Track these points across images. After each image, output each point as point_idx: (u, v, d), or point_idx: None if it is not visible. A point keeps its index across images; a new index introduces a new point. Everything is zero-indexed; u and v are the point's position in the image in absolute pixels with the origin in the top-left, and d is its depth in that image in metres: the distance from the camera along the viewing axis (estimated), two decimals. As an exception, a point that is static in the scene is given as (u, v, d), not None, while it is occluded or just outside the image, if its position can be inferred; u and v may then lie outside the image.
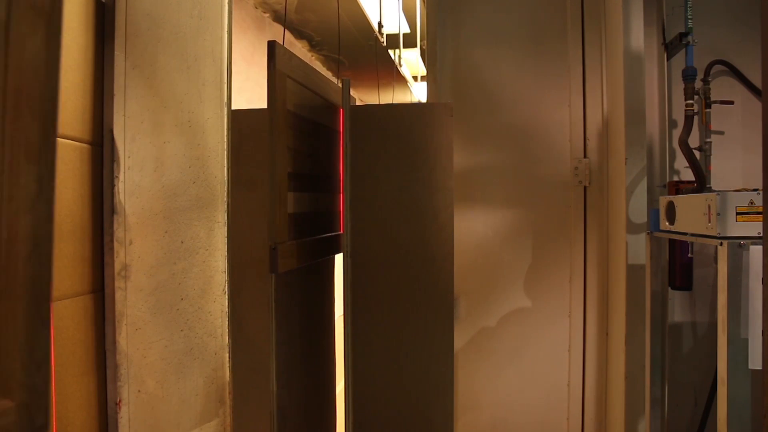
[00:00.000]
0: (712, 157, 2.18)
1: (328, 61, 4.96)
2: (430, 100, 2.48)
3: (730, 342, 1.53)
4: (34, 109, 0.53)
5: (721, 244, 1.56)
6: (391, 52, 4.70)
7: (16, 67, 0.53)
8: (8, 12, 0.52)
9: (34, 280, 0.54)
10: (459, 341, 2.39)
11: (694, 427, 2.25)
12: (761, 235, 1.36)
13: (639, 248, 2.10)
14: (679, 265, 2.15)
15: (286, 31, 4.06)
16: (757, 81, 2.26)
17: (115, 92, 1.09)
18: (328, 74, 5.15)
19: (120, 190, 1.10)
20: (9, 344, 0.52)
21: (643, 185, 2.09)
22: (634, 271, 2.10)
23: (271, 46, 1.35)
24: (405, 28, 5.07)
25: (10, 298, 0.52)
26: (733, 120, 2.28)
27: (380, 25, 4.16)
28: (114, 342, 1.08)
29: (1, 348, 0.52)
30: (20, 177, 0.52)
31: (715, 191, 1.75)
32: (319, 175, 1.74)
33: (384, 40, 4.37)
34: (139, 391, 1.11)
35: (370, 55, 4.48)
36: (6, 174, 0.48)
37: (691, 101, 2.15)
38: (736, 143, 2.28)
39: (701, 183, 2.06)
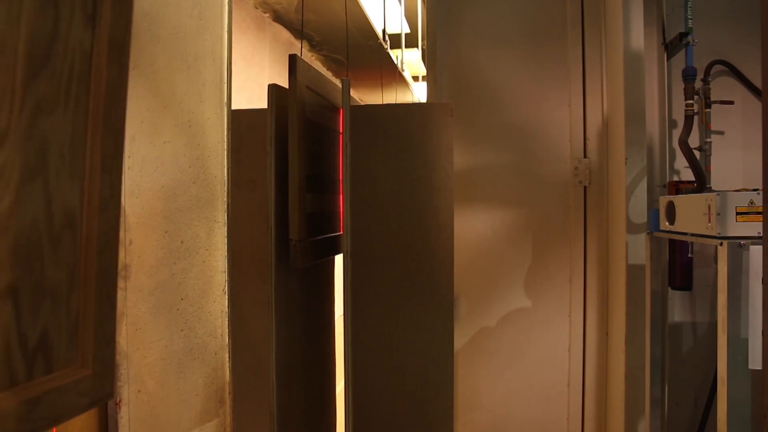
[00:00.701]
0: (712, 157, 2.18)
1: (328, 61, 4.96)
2: (430, 100, 2.48)
3: (730, 342, 1.53)
4: (108, 127, 0.65)
5: (721, 244, 1.56)
6: (391, 52, 4.70)
7: (96, 92, 0.65)
8: (92, 44, 0.65)
9: (105, 271, 0.66)
10: (459, 341, 2.39)
11: (694, 427, 2.25)
12: (761, 235, 1.36)
13: (639, 248, 2.10)
14: (679, 265, 2.15)
15: (286, 30, 4.06)
16: (757, 81, 2.26)
17: (115, 92, 1.09)
18: (328, 74, 5.15)
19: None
20: (87, 325, 0.64)
21: (643, 185, 2.09)
22: (634, 271, 2.10)
23: (293, 60, 1.44)
24: (405, 29, 5.08)
25: (87, 286, 0.64)
26: (733, 120, 2.28)
27: (385, 32, 4.15)
28: (114, 342, 1.08)
29: (81, 328, 0.64)
30: (96, 184, 0.63)
31: (715, 191, 1.75)
32: (326, 176, 1.75)
33: (388, 46, 4.37)
34: (139, 391, 1.10)
35: (371, 55, 4.48)
36: (87, 181, 0.60)
37: (691, 101, 2.15)
38: (736, 143, 2.28)
39: (701, 183, 2.06)
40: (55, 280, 0.62)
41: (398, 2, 4.60)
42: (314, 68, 1.59)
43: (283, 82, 1.52)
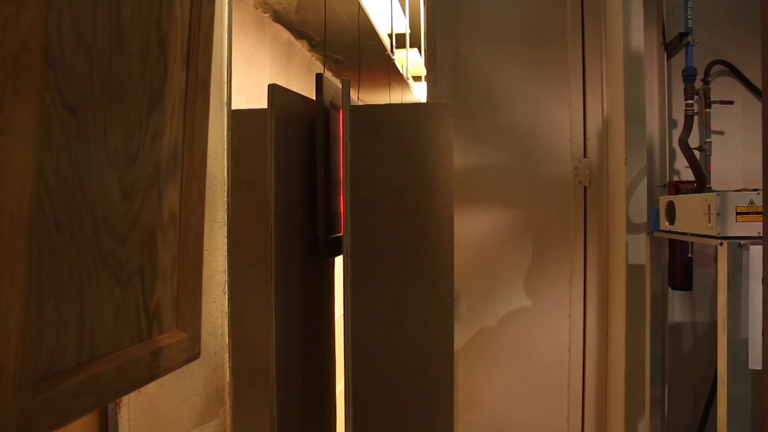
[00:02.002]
0: (712, 157, 2.18)
1: (328, 61, 4.96)
2: (430, 100, 2.48)
3: (730, 342, 1.53)
4: (197, 145, 0.87)
5: (721, 244, 1.56)
6: (390, 52, 4.70)
7: (189, 119, 0.86)
8: (186, 82, 0.85)
9: (195, 257, 0.86)
10: (459, 341, 2.39)
11: (694, 427, 2.25)
12: (761, 235, 1.36)
13: (639, 248, 2.10)
14: (679, 265, 2.15)
15: (286, 30, 4.06)
16: (757, 81, 2.26)
17: (115, 92, 1.08)
18: (328, 74, 5.14)
19: (120, 190, 1.10)
20: (184, 298, 0.85)
21: (643, 185, 2.09)
22: (634, 271, 2.10)
23: (319, 78, 1.58)
24: (405, 28, 5.07)
25: (183, 268, 0.84)
26: (733, 120, 2.28)
27: (392, 37, 4.15)
28: (114, 342, 1.08)
29: (180, 301, 0.85)
30: (189, 190, 0.85)
31: (715, 191, 1.75)
32: (334, 178, 1.76)
33: (393, 51, 4.37)
34: (139, 391, 1.10)
35: (371, 55, 4.48)
36: (183, 188, 0.83)
37: (691, 101, 2.15)
38: (736, 143, 2.28)
39: (701, 183, 2.06)
40: (164, 264, 0.82)
41: (398, 2, 4.60)
42: (332, 81, 1.71)
43: (283, 81, 1.52)
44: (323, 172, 1.67)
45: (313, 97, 1.67)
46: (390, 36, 4.23)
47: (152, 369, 0.78)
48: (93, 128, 0.68)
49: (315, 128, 1.69)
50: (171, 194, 0.83)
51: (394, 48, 4.35)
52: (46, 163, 0.60)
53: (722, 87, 2.27)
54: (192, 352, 0.88)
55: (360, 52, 4.26)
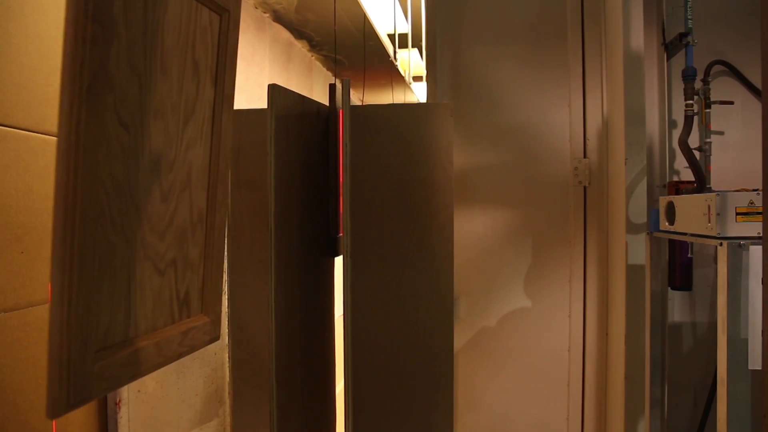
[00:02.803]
0: (711, 157, 2.18)
1: (327, 61, 4.95)
2: (430, 100, 2.48)
3: (730, 342, 1.53)
4: (222, 153, 1.02)
5: (721, 244, 1.56)
6: (389, 52, 4.70)
7: (216, 131, 0.99)
8: (214, 99, 0.98)
9: (219, 251, 1.02)
10: (459, 341, 2.39)
11: (694, 427, 2.25)
12: (761, 235, 1.36)
13: (639, 248, 2.10)
14: (679, 265, 2.15)
15: (286, 30, 4.06)
16: (757, 81, 2.26)
17: (115, 92, 1.08)
18: (328, 74, 5.15)
19: (120, 190, 1.10)
20: (208, 287, 1.00)
21: (643, 185, 2.09)
22: (634, 271, 2.10)
23: (332, 88, 1.67)
24: (405, 28, 5.07)
25: (208, 260, 0.99)
26: (733, 120, 2.28)
27: (394, 40, 4.13)
28: (114, 342, 1.08)
29: (205, 289, 0.99)
30: (215, 192, 1.01)
31: (714, 191, 1.75)
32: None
33: (399, 63, 4.36)
34: (139, 391, 1.10)
35: (371, 55, 4.48)
36: (210, 191, 0.98)
37: (691, 101, 2.15)
38: (736, 143, 2.28)
39: (701, 183, 2.06)
40: (193, 257, 0.95)
41: (399, 3, 4.60)
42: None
43: (283, 81, 1.53)
44: (335, 172, 1.75)
45: (313, 97, 1.68)
46: (392, 37, 4.22)
47: (182, 347, 0.92)
48: (141, 141, 0.80)
49: (314, 128, 1.69)
50: (200, 196, 0.96)
51: (396, 49, 4.34)
52: (106, 172, 0.73)
53: (722, 87, 2.27)
54: (213, 334, 1.04)
55: (364, 57, 4.26)
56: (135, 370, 0.80)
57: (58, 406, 0.67)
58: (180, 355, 0.92)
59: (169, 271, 0.89)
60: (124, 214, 0.78)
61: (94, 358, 0.72)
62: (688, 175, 2.19)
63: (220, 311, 1.03)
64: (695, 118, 2.16)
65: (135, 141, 0.79)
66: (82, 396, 0.69)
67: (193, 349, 0.96)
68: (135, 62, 0.77)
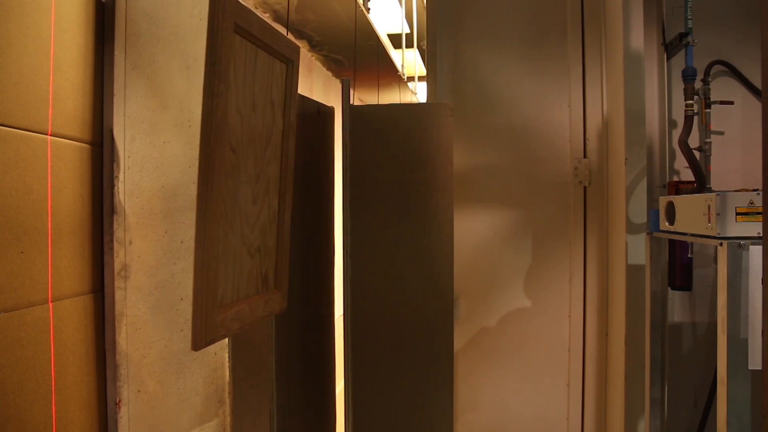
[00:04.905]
0: (711, 157, 2.18)
1: (327, 61, 4.96)
2: (430, 100, 2.48)
3: (730, 342, 1.53)
4: (287, 167, 1.32)
5: (721, 244, 1.56)
6: (391, 52, 4.70)
7: (284, 151, 1.31)
8: (282, 126, 1.33)
9: (286, 242, 1.33)
10: (459, 341, 2.39)
11: (694, 427, 2.25)
12: (761, 235, 1.36)
13: (639, 248, 2.10)
14: (679, 265, 2.15)
15: (287, 30, 4.06)
16: (756, 81, 2.26)
17: (115, 92, 1.09)
18: (328, 74, 5.15)
19: (120, 190, 1.10)
20: (279, 268, 1.31)
21: (643, 185, 2.09)
22: (634, 271, 2.10)
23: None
24: (405, 28, 5.07)
25: (279, 248, 1.30)
26: (733, 120, 2.28)
27: (402, 46, 4.11)
28: (114, 342, 1.08)
29: (277, 270, 1.31)
30: (284, 197, 1.30)
31: (714, 191, 1.75)
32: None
33: (399, 63, 4.34)
34: (138, 391, 1.10)
35: (370, 55, 4.48)
36: (280, 196, 1.29)
37: (691, 101, 2.15)
38: (736, 143, 2.28)
39: (701, 183, 2.06)
40: (270, 245, 1.26)
41: (398, 2, 4.60)
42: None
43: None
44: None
45: (313, 97, 1.68)
46: (392, 37, 4.22)
47: (264, 311, 1.25)
48: (243, 161, 1.12)
49: (315, 128, 1.69)
50: (274, 200, 1.28)
51: (395, 49, 4.34)
52: (224, 185, 1.05)
53: (722, 87, 2.27)
54: (282, 305, 1.36)
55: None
56: (239, 323, 1.13)
57: (199, 343, 1.01)
58: (263, 318, 1.25)
59: (257, 255, 1.20)
60: (233, 213, 1.08)
61: (217, 312, 1.05)
62: (688, 175, 2.19)
63: (287, 288, 1.34)
64: (695, 118, 2.16)
65: (239, 161, 1.09)
66: (212, 337, 1.03)
67: (271, 313, 1.29)
68: (240, 105, 1.09)
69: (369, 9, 4.12)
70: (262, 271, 1.23)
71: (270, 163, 1.22)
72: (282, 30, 3.95)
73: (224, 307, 1.08)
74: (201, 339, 1.00)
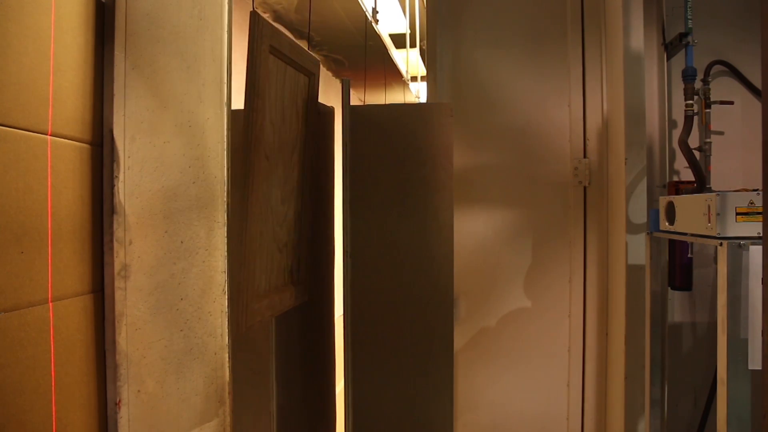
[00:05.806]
0: (711, 157, 2.18)
1: (327, 61, 4.96)
2: (430, 100, 2.48)
3: (730, 342, 1.53)
4: (307, 169, 1.52)
5: (721, 244, 1.56)
6: (390, 52, 4.70)
7: (304, 156, 1.49)
8: (305, 134, 1.49)
9: (308, 239, 1.52)
10: (459, 341, 2.39)
11: (694, 427, 2.25)
12: (761, 235, 1.36)
13: (639, 248, 2.10)
14: (679, 265, 2.15)
15: (286, 30, 4.06)
16: (756, 81, 2.26)
17: (115, 92, 1.09)
18: (328, 74, 5.15)
19: (120, 190, 1.10)
20: (302, 264, 1.51)
21: (643, 185, 2.09)
22: (633, 271, 2.10)
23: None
24: (405, 28, 5.07)
25: (301, 244, 1.49)
26: (733, 120, 2.28)
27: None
28: (114, 342, 1.08)
29: (301, 265, 1.49)
30: (305, 197, 1.49)
31: (714, 191, 1.75)
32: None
33: (398, 63, 4.33)
34: (138, 391, 1.10)
35: (370, 54, 4.48)
36: (304, 197, 1.54)
37: (691, 101, 2.15)
38: (736, 143, 2.28)
39: (701, 183, 2.06)
40: (295, 241, 1.39)
41: (398, 2, 4.60)
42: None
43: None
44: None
45: (313, 97, 1.68)
46: (393, 36, 4.22)
47: (291, 300, 1.40)
48: (274, 166, 1.23)
49: (315, 128, 1.69)
50: (298, 201, 1.39)
51: (396, 48, 4.34)
52: (259, 188, 1.20)
53: (722, 87, 2.27)
54: (305, 297, 1.51)
55: (365, 55, 4.26)
56: (272, 311, 1.29)
57: (239, 327, 1.18)
58: (290, 306, 1.40)
59: (285, 250, 1.33)
60: (266, 214, 1.22)
61: (256, 299, 1.21)
62: (688, 175, 2.19)
63: (310, 280, 1.49)
64: (695, 118, 2.16)
65: (271, 166, 1.21)
66: (250, 322, 1.21)
67: (297, 303, 1.45)
68: (272, 117, 1.21)
69: (378, 20, 4.11)
70: (289, 265, 1.37)
71: (294, 168, 1.36)
72: (282, 30, 3.95)
73: (259, 297, 1.24)
74: (242, 324, 1.19)
